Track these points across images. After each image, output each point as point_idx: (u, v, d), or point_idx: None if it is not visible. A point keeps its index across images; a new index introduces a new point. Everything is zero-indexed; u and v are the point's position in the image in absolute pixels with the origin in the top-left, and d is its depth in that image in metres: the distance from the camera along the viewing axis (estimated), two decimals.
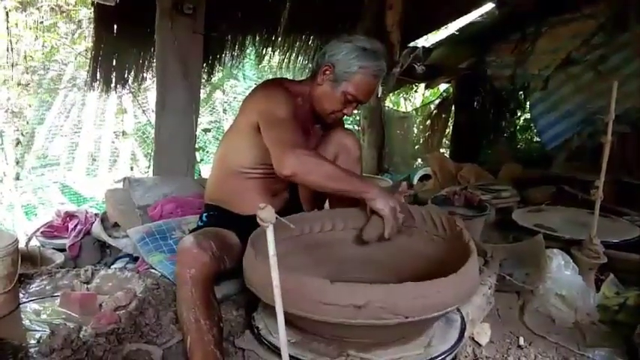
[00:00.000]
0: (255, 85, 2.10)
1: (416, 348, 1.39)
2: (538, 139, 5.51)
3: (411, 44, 5.26)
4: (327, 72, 1.78)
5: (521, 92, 5.66)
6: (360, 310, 1.16)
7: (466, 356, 1.59)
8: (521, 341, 1.71)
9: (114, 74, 3.95)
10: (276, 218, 0.89)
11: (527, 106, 5.63)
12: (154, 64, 3.75)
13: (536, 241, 2.17)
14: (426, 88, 7.24)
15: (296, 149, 1.57)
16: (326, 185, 1.62)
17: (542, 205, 3.10)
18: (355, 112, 6.67)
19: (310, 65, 5.07)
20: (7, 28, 5.46)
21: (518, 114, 6.23)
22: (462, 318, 1.57)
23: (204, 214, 1.96)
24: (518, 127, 6.35)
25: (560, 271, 1.93)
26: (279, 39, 4.71)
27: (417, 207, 1.83)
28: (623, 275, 2.05)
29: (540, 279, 1.94)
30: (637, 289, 1.93)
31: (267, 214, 0.88)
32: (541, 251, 2.05)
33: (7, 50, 5.46)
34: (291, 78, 1.87)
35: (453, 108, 6.30)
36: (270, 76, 5.97)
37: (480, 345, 1.66)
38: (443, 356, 1.38)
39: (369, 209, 1.64)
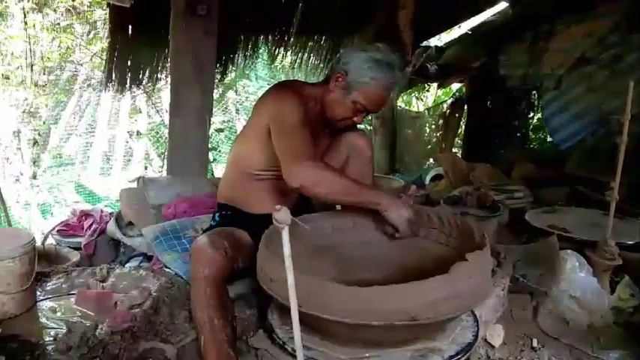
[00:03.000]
0: (267, 86, 2.11)
1: (350, 353, 1.36)
2: (551, 139, 5.45)
3: (424, 43, 5.24)
4: (340, 79, 1.78)
5: (534, 92, 5.61)
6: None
7: (479, 358, 1.58)
8: (535, 343, 1.70)
9: (128, 75, 3.99)
10: (292, 219, 0.90)
11: (540, 106, 5.57)
12: (168, 65, 3.79)
13: (549, 242, 2.15)
14: (439, 87, 7.20)
15: (305, 161, 1.58)
16: (335, 199, 1.66)
17: (556, 205, 3.07)
18: None
19: (322, 65, 5.08)
20: (25, 29, 5.55)
21: (531, 114, 6.17)
22: (476, 319, 1.57)
23: (217, 214, 1.98)
24: (531, 127, 6.29)
25: (575, 272, 1.91)
26: (292, 39, 4.73)
27: (431, 208, 1.82)
28: (638, 277, 2.03)
29: (554, 280, 1.92)
30: None
31: (282, 215, 0.88)
32: (555, 252, 2.03)
33: (26, 51, 5.54)
34: (303, 79, 1.87)
35: (466, 107, 6.26)
36: (283, 77, 5.99)
37: (492, 347, 1.65)
38: None
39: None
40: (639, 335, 1.71)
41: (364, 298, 1.20)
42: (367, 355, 1.35)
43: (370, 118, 5.47)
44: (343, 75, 1.77)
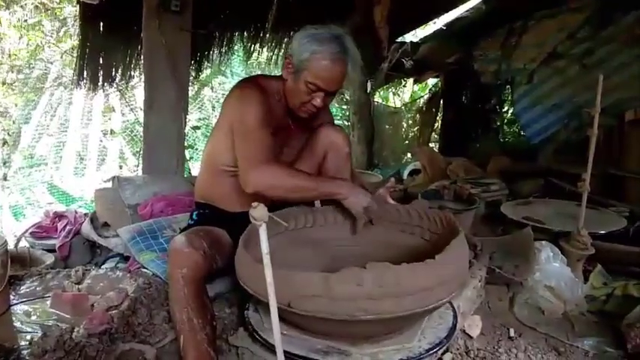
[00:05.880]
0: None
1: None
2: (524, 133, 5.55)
3: (399, 39, 5.27)
4: (289, 66, 1.75)
5: (508, 86, 5.69)
6: None
7: (458, 348, 1.60)
8: (512, 333, 1.73)
9: (101, 72, 3.91)
10: (269, 217, 0.89)
11: (512, 101, 5.66)
12: (142, 62, 3.72)
13: (524, 233, 2.19)
14: (415, 82, 7.27)
15: (258, 166, 1.59)
16: (293, 197, 1.66)
17: (531, 197, 3.13)
18: (345, 107, 6.69)
19: None
20: None
21: (505, 108, 6.27)
22: (454, 310, 1.58)
23: (195, 213, 1.96)
24: (505, 121, 6.39)
25: (549, 262, 1.95)
26: (267, 35, 4.70)
27: (412, 204, 1.84)
28: (610, 266, 2.09)
29: (529, 271, 1.96)
30: (624, 280, 1.96)
31: (259, 212, 0.88)
32: (530, 243, 2.07)
33: None
34: (280, 75, 1.84)
35: (442, 102, 6.33)
36: (259, 72, 5.95)
37: (471, 337, 1.68)
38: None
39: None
40: (612, 322, 1.75)
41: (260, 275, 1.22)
42: (285, 332, 1.37)
43: (348, 114, 5.48)
44: (290, 59, 1.74)
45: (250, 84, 1.81)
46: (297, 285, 1.21)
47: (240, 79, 2.01)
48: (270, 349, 1.31)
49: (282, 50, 4.95)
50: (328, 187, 1.65)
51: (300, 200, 1.77)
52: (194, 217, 1.94)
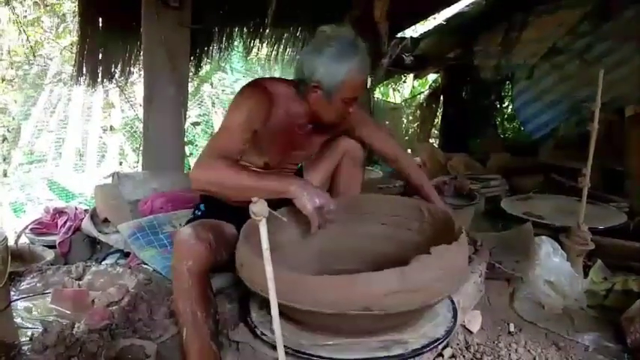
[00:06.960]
0: (243, 78, 2.08)
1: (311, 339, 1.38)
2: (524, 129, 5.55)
3: (399, 35, 5.25)
4: (317, 90, 1.72)
5: (508, 82, 5.69)
6: None
7: (458, 343, 1.61)
8: (512, 328, 1.74)
9: (100, 68, 3.90)
10: (269, 212, 0.89)
11: (512, 97, 5.65)
12: (141, 58, 3.72)
13: (525, 229, 2.20)
14: (415, 78, 7.24)
15: (205, 161, 1.54)
16: (236, 196, 1.55)
17: (531, 193, 3.13)
18: None
19: (298, 57, 5.03)
20: None
21: (505, 103, 6.26)
22: (454, 312, 1.58)
23: (202, 204, 1.94)
24: (505, 117, 6.39)
25: (549, 258, 1.96)
26: (267, 31, 4.69)
27: (413, 199, 1.85)
28: (610, 261, 2.09)
29: (529, 266, 1.97)
30: (624, 275, 1.97)
31: (259, 207, 0.88)
32: (530, 239, 2.08)
33: None
34: (279, 71, 1.82)
35: (442, 98, 6.32)
36: (259, 69, 5.94)
37: (471, 332, 1.68)
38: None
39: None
40: (612, 317, 1.76)
41: (313, 286, 1.21)
42: (330, 342, 1.35)
43: None
44: (318, 85, 1.71)
45: (253, 87, 1.78)
46: (375, 286, 1.19)
47: (250, 75, 2.01)
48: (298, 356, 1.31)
49: (282, 47, 4.93)
50: (275, 186, 1.55)
51: (244, 198, 1.69)
52: (201, 208, 1.91)
